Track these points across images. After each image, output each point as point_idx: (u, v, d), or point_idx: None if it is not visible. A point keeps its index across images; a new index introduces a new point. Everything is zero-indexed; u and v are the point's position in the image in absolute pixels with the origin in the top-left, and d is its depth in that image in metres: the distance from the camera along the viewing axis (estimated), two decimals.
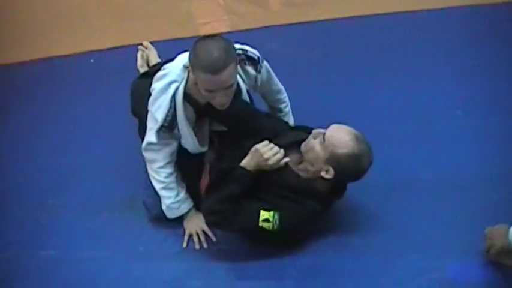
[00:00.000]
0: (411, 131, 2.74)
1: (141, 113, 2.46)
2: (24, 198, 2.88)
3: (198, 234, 2.41)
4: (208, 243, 2.39)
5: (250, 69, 2.30)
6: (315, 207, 2.17)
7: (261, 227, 2.13)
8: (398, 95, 2.97)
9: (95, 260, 2.45)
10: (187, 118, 2.25)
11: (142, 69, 2.87)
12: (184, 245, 2.42)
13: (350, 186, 2.36)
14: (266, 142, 2.16)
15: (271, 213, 2.12)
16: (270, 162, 2.14)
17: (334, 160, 2.09)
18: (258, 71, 2.32)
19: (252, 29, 3.75)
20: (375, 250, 2.23)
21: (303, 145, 2.21)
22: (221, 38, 2.07)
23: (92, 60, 3.89)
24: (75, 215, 2.71)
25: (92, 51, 3.94)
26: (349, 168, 2.10)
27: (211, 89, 2.06)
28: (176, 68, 2.24)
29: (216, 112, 2.23)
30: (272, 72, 2.44)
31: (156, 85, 2.26)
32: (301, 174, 2.21)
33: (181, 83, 2.21)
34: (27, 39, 3.98)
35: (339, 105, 2.95)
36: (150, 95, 2.30)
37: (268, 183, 2.19)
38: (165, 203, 2.40)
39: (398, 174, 2.51)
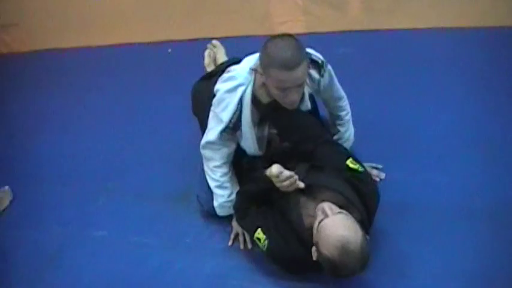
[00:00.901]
0: (470, 154, 2.62)
1: (201, 113, 2.50)
2: (87, 179, 3.01)
3: (244, 234, 2.43)
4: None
5: (314, 73, 2.27)
6: (303, 254, 2.07)
7: (255, 240, 2.22)
8: (463, 115, 2.85)
9: (143, 246, 2.52)
10: (252, 121, 2.26)
11: (209, 68, 2.91)
12: (230, 243, 2.44)
13: (396, 204, 2.38)
14: (280, 170, 2.08)
15: (264, 237, 2.16)
16: (281, 188, 2.12)
17: (318, 249, 1.97)
18: (321, 75, 2.28)
19: (327, 32, 3.70)
20: (416, 274, 2.17)
21: (318, 206, 2.05)
22: (291, 37, 2.06)
23: (169, 50, 4.00)
24: (131, 200, 2.80)
25: (170, 41, 4.04)
26: (327, 268, 1.97)
27: (285, 87, 2.05)
28: (243, 71, 2.24)
29: (275, 115, 2.23)
30: (335, 79, 2.40)
31: (222, 86, 2.27)
32: (306, 220, 2.09)
33: (248, 85, 2.21)
34: (110, 24, 4.14)
35: (402, 118, 2.90)
36: (211, 96, 2.32)
37: (275, 209, 2.20)
38: (218, 200, 2.43)
39: (449, 198, 2.45)
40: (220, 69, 2.52)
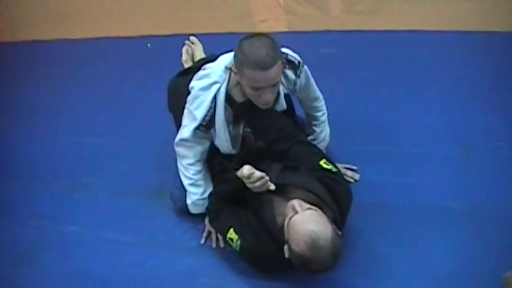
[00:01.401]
0: (449, 157, 2.62)
1: (176, 110, 2.50)
2: (62, 173, 3.01)
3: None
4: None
5: (290, 73, 2.27)
6: (275, 253, 2.06)
7: (227, 241, 2.22)
8: (442, 117, 2.85)
9: (116, 243, 2.52)
10: (226, 119, 2.26)
11: (186, 64, 2.90)
12: (202, 241, 2.44)
13: (373, 205, 2.35)
14: (251, 171, 2.07)
15: (236, 237, 2.16)
16: (253, 189, 2.12)
17: (288, 246, 1.97)
18: (298, 76, 2.29)
19: (309, 32, 3.70)
20: (388, 276, 2.17)
21: (290, 202, 2.04)
22: (266, 36, 2.06)
23: (148, 45, 3.98)
24: (106, 196, 2.80)
25: (149, 36, 4.03)
26: (298, 264, 1.96)
27: (259, 87, 2.05)
28: (218, 69, 2.24)
29: (249, 114, 2.24)
30: (312, 79, 2.40)
31: (196, 84, 2.27)
32: (279, 219, 2.08)
33: (222, 84, 2.21)
34: (94, 18, 4.12)
35: (381, 119, 2.89)
36: (187, 93, 2.32)
37: (247, 208, 2.21)
38: (191, 198, 2.43)
39: (427, 199, 2.43)
40: (197, 66, 2.52)
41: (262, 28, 3.74)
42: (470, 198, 2.41)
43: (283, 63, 2.18)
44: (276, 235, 2.07)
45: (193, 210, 2.46)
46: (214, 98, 2.20)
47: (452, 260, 2.18)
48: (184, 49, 2.95)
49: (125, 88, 3.56)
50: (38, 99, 3.67)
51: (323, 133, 2.58)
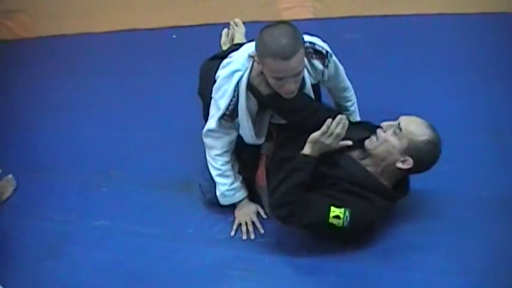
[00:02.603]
0: (479, 144, 2.55)
1: (206, 95, 2.45)
2: (90, 166, 3.00)
3: (246, 224, 2.39)
4: (255, 235, 2.36)
5: (317, 63, 2.21)
6: (383, 204, 2.12)
7: (331, 223, 2.07)
8: (470, 104, 2.77)
9: (144, 236, 2.50)
10: (249, 109, 2.21)
11: (225, 47, 2.84)
12: (232, 233, 2.40)
13: None
14: (324, 129, 2.10)
15: (343, 210, 2.06)
16: (334, 146, 2.13)
17: (413, 148, 2.05)
18: (326, 66, 2.23)
19: (334, 18, 3.64)
20: (419, 266, 2.10)
21: (367, 141, 2.14)
22: (288, 25, 2.00)
23: (174, 36, 3.95)
24: (134, 188, 2.78)
25: (175, 27, 4.00)
26: (427, 156, 2.08)
27: (280, 76, 2.00)
28: (241, 57, 2.20)
29: (277, 105, 2.18)
30: (341, 69, 2.33)
31: (221, 72, 2.23)
32: (370, 169, 2.14)
33: (245, 72, 2.16)
34: (116, 10, 4.11)
35: (408, 106, 2.73)
36: (215, 78, 2.28)
37: (336, 179, 2.13)
38: (220, 189, 2.40)
39: (457, 188, 2.36)
40: (230, 50, 2.49)
41: (287, 15, 3.68)
42: (502, 187, 2.33)
43: (310, 52, 2.15)
44: (374, 185, 2.10)
45: (223, 201, 2.43)
46: (237, 86, 2.16)
47: (482, 250, 2.11)
48: (224, 31, 2.90)
49: (150, 80, 3.53)
50: (63, 94, 3.65)
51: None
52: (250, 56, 2.14)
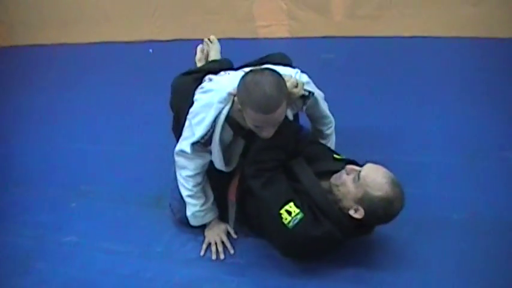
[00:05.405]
0: (452, 166, 2.58)
1: (178, 108, 2.46)
2: (60, 181, 2.96)
3: (216, 244, 2.38)
4: (225, 255, 2.35)
5: (299, 102, 2.25)
6: (334, 234, 2.05)
7: (280, 214, 2.04)
8: (445, 125, 2.82)
9: (113, 253, 2.46)
10: (222, 140, 2.20)
11: (199, 63, 2.84)
12: (202, 253, 2.38)
13: None
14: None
15: (298, 211, 2.04)
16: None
17: (366, 201, 2.00)
18: (305, 103, 2.26)
19: (311, 37, 3.67)
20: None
21: (333, 177, 2.12)
22: (272, 73, 1.98)
23: (150, 50, 3.95)
24: (104, 204, 2.75)
25: (152, 41, 4.00)
26: (380, 212, 2.00)
27: (260, 125, 2.01)
28: (222, 91, 2.15)
29: (261, 139, 2.16)
30: (321, 102, 2.35)
31: (200, 97, 2.24)
32: (328, 197, 2.12)
33: (225, 106, 2.14)
34: (92, 22, 4.09)
35: (383, 126, 2.87)
36: (188, 94, 2.29)
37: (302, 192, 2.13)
38: (190, 210, 2.38)
39: (430, 210, 2.38)
40: (205, 69, 2.50)
41: (264, 33, 3.71)
42: (474, 210, 2.36)
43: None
44: (330, 212, 2.06)
45: (193, 222, 2.41)
46: (216, 118, 2.14)
47: (454, 273, 2.13)
48: (199, 47, 2.89)
49: (125, 94, 3.53)
50: (37, 105, 3.63)
51: (328, 144, 2.52)
52: (230, 94, 2.12)
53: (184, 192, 2.35)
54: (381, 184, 1.98)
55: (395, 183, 2.00)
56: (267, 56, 2.52)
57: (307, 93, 2.21)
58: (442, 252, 2.21)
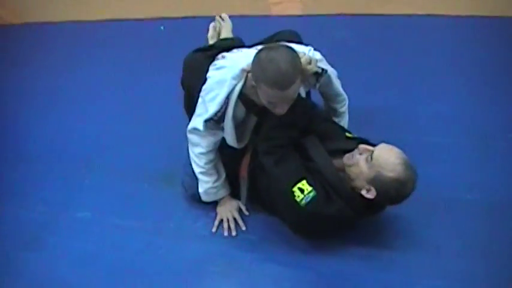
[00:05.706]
0: (464, 147, 2.56)
1: (189, 86, 2.45)
2: (72, 158, 2.97)
3: (228, 221, 2.39)
4: (236, 231, 2.36)
5: (312, 79, 2.22)
6: (346, 212, 2.06)
7: (292, 192, 2.04)
8: (459, 106, 2.79)
9: (126, 229, 2.49)
10: (235, 116, 2.20)
11: (211, 41, 2.80)
12: (214, 229, 2.40)
13: None
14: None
15: (311, 189, 2.04)
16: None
17: (378, 181, 1.99)
18: (318, 81, 2.24)
19: (323, 15, 3.63)
20: (400, 269, 2.12)
21: (345, 157, 2.11)
22: (287, 50, 1.97)
23: (162, 27, 3.92)
24: (117, 180, 2.77)
25: (163, 18, 3.97)
26: (392, 192, 1.99)
27: (274, 101, 2.00)
28: (235, 67, 2.14)
29: (274, 116, 2.14)
30: (334, 80, 2.34)
31: (213, 75, 2.23)
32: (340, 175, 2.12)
33: (238, 82, 2.13)
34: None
35: (396, 106, 2.84)
36: (200, 71, 2.28)
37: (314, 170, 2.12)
38: (203, 186, 2.39)
39: (443, 192, 2.36)
40: (218, 47, 2.48)
41: (276, 11, 3.66)
42: (487, 190, 2.35)
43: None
44: (342, 191, 2.06)
45: (205, 198, 2.42)
46: (229, 95, 2.14)
47: (466, 253, 2.13)
48: (211, 25, 2.85)
49: (136, 71, 3.50)
50: (48, 82, 3.62)
51: (341, 123, 2.52)
52: (244, 70, 2.10)
53: (197, 169, 2.36)
54: (393, 165, 1.97)
55: (408, 165, 1.98)
56: (276, 34, 2.50)
57: (320, 71, 2.19)
58: (453, 233, 2.22)
